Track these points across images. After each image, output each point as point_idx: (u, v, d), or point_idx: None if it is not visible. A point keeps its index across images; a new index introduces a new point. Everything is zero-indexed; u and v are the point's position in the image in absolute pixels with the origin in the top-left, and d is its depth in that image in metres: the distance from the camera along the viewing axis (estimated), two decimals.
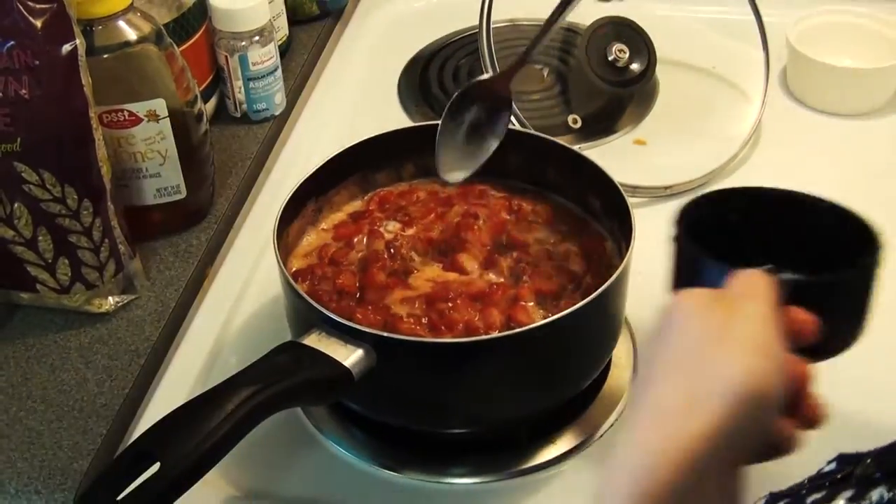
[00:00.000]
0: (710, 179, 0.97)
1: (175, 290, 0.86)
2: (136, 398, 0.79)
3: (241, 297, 0.88)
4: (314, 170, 0.81)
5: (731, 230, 0.68)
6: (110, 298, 0.83)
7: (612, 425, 0.76)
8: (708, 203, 0.67)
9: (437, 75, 1.13)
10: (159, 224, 0.89)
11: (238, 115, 1.03)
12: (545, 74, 1.08)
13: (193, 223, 0.91)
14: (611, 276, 0.75)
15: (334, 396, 0.68)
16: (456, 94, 0.84)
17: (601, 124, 1.02)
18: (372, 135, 0.84)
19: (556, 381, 0.74)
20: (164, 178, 0.86)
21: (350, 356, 0.67)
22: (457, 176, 0.84)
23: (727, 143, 1.00)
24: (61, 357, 0.80)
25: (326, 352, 0.67)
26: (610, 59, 1.00)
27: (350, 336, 0.68)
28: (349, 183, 0.85)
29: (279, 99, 1.03)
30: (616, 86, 1.01)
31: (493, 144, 0.84)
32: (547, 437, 0.76)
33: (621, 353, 0.81)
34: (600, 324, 0.74)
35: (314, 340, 0.68)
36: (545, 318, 0.73)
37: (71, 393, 0.77)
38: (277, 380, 0.63)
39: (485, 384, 0.71)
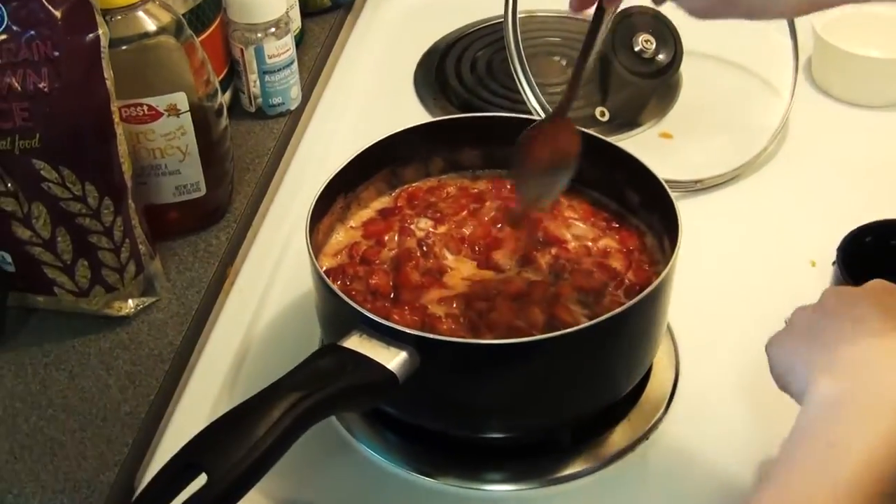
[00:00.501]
0: (741, 173, 0.95)
1: (196, 291, 0.82)
2: (161, 405, 0.75)
3: (265, 297, 0.85)
4: (343, 165, 0.78)
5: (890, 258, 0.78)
6: (130, 301, 0.79)
7: (651, 432, 0.74)
8: (864, 235, 0.78)
9: (454, 67, 1.11)
10: (177, 223, 0.86)
11: (253, 109, 0.99)
12: (564, 65, 1.06)
13: (212, 222, 0.88)
14: (654, 273, 0.74)
15: (379, 401, 0.65)
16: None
17: (627, 117, 1.00)
18: (400, 129, 0.81)
19: (597, 385, 0.71)
20: (183, 176, 0.83)
21: (394, 359, 0.64)
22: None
23: (754, 135, 0.98)
24: (81, 363, 0.77)
25: (370, 355, 0.64)
26: (636, 49, 0.98)
27: (392, 338, 0.65)
28: (377, 179, 0.82)
29: (295, 93, 1.00)
30: (643, 77, 0.98)
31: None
32: (587, 444, 0.73)
33: (662, 357, 0.78)
34: (646, 324, 0.71)
35: (355, 343, 0.65)
36: (588, 317, 0.71)
37: (93, 400, 0.74)
38: (322, 385, 0.60)
39: (526, 387, 0.68)
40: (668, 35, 0.98)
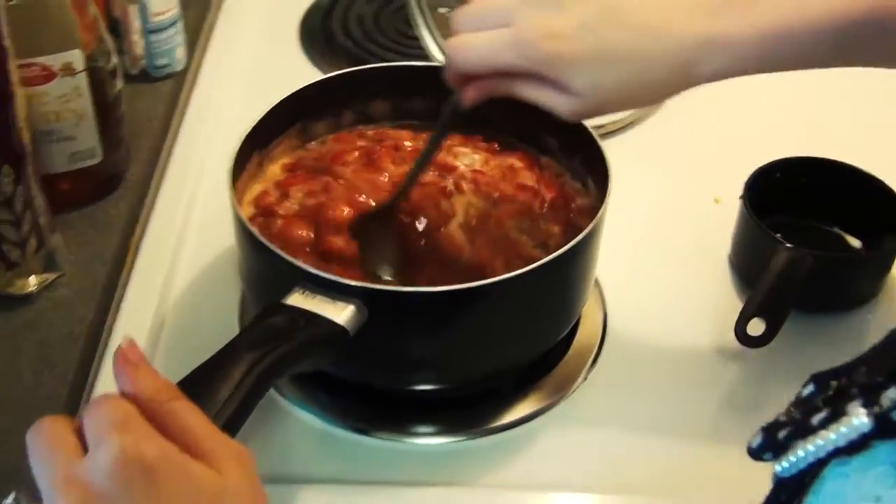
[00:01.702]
0: (640, 117, 0.96)
1: (101, 264, 0.77)
2: (80, 385, 0.70)
3: (174, 266, 0.81)
4: (257, 120, 0.74)
5: (795, 195, 0.81)
6: (32, 278, 0.74)
7: (580, 385, 0.74)
8: (775, 169, 0.81)
9: (341, 22, 1.08)
10: (72, 194, 0.80)
11: (135, 71, 0.94)
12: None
13: (108, 191, 0.83)
14: (564, 184, 0.75)
15: (332, 357, 0.63)
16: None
17: None
18: (309, 82, 0.78)
19: (531, 332, 0.71)
20: (78, 141, 0.78)
21: (342, 313, 0.62)
22: None
23: None
24: None
25: (318, 311, 0.61)
26: None
27: (338, 292, 0.62)
28: (289, 134, 0.79)
29: (181, 53, 0.95)
30: None
31: None
32: (516, 395, 0.73)
33: (591, 309, 0.79)
34: (590, 259, 0.71)
35: (300, 300, 0.62)
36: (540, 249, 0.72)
37: (7, 386, 0.68)
38: (278, 344, 0.57)
39: (479, 332, 0.67)
40: None
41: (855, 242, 0.82)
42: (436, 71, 0.78)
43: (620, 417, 0.72)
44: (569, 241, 0.66)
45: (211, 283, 0.79)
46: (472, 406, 0.73)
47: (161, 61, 0.93)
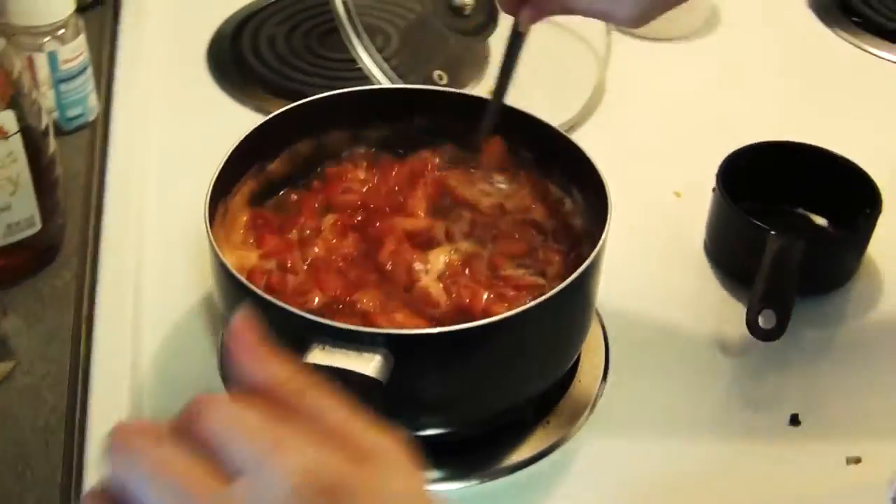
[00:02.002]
0: (576, 122, 0.95)
1: (60, 342, 0.70)
2: (68, 483, 0.63)
3: (137, 332, 0.73)
4: (216, 174, 0.68)
5: (764, 179, 0.81)
6: None
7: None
8: (742, 156, 0.81)
9: (252, 51, 1.02)
10: (10, 269, 0.72)
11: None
12: (391, 36, 1.00)
13: (48, 261, 0.75)
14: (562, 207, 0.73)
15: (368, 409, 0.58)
16: None
17: (453, 77, 0.96)
18: (262, 121, 0.72)
19: (551, 358, 0.67)
20: (14, 211, 0.70)
21: (370, 365, 0.57)
22: None
23: (582, 84, 0.98)
24: None
25: (348, 367, 0.57)
26: (455, 5, 0.94)
27: (362, 343, 0.58)
28: (248, 177, 0.73)
29: (93, 101, 0.87)
30: (464, 35, 0.95)
31: None
32: (516, 438, 0.69)
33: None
34: (593, 286, 0.67)
35: (324, 357, 0.57)
36: (535, 280, 0.68)
37: None
38: None
39: (493, 369, 0.63)
40: None
41: (821, 221, 0.83)
42: (393, 93, 0.76)
43: (638, 440, 0.69)
44: (568, 264, 0.65)
45: (182, 340, 0.73)
46: (480, 447, 0.68)
47: (74, 112, 0.86)
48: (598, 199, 0.68)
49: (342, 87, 0.94)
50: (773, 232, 0.73)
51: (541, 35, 0.90)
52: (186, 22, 1.08)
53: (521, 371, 0.65)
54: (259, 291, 0.60)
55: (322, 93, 0.94)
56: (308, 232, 0.71)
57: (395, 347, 0.58)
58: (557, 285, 0.62)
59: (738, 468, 0.67)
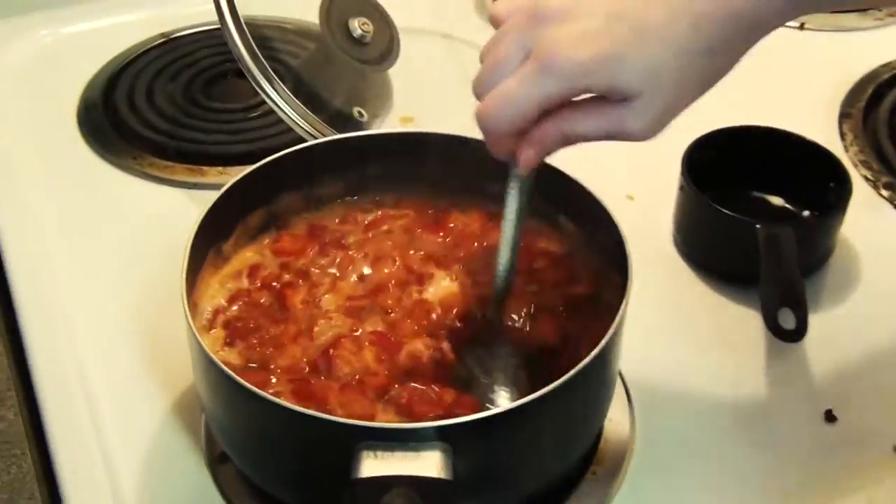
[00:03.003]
0: None
1: (26, 500, 0.59)
2: None
3: (111, 469, 0.63)
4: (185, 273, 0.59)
5: (730, 165, 0.79)
6: None
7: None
8: (707, 143, 0.79)
9: (130, 112, 0.92)
10: None
11: None
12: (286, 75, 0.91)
13: None
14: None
15: None
16: None
17: (368, 110, 0.89)
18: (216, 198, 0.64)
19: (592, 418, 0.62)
20: None
21: (433, 463, 0.51)
22: None
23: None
24: None
25: (410, 472, 0.50)
26: (355, 35, 0.87)
27: (416, 441, 0.52)
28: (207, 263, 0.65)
29: None
30: (367, 64, 0.89)
31: None
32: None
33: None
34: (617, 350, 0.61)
35: (379, 466, 0.51)
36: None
37: None
38: None
39: (549, 438, 0.58)
40: (377, 15, 0.89)
41: (777, 201, 0.82)
42: (340, 144, 0.69)
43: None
44: None
45: (164, 459, 0.64)
46: None
47: None
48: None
49: (247, 141, 0.89)
50: (758, 224, 0.72)
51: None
52: (43, 86, 0.97)
53: (575, 429, 0.60)
54: (301, 410, 0.53)
55: (225, 149, 0.88)
56: None
57: (451, 438, 0.52)
58: None
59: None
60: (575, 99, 0.54)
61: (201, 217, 0.62)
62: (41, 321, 0.73)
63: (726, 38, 0.52)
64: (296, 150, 0.68)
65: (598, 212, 0.64)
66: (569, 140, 0.55)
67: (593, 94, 0.53)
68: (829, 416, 0.67)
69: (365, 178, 0.71)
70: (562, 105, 0.53)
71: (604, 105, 0.53)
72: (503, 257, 0.61)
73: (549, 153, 0.56)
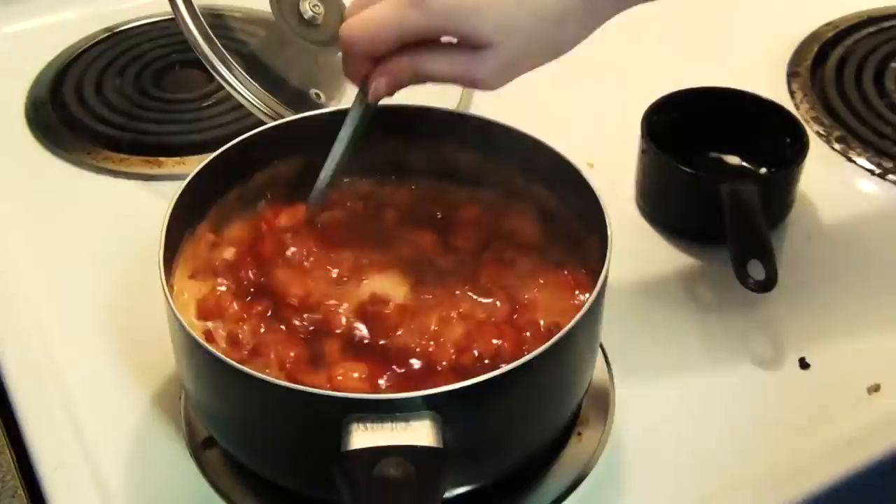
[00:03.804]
0: (466, 103, 0.90)
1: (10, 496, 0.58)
2: None
3: (95, 471, 0.62)
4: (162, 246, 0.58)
5: (686, 127, 0.80)
6: None
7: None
8: (664, 106, 0.80)
9: (75, 97, 0.91)
10: None
11: None
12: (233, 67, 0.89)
13: None
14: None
15: (447, 481, 0.52)
16: None
17: (326, 91, 0.89)
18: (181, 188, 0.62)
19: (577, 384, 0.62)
20: None
21: (423, 433, 0.51)
22: None
23: None
24: None
25: (404, 442, 0.50)
26: (307, 17, 0.86)
27: (405, 411, 0.51)
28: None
29: None
30: (321, 45, 0.88)
31: None
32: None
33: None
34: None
35: (370, 437, 0.50)
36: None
37: None
38: (413, 498, 0.47)
39: (534, 405, 0.57)
40: None
41: (734, 160, 0.83)
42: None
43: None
44: None
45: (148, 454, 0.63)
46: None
47: None
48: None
49: (203, 129, 0.87)
50: (721, 183, 0.73)
51: None
52: None
53: (563, 392, 0.60)
54: (275, 380, 0.52)
55: (182, 139, 0.87)
56: None
57: (440, 406, 0.52)
58: None
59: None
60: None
61: (176, 196, 0.61)
62: (8, 322, 0.71)
63: (584, 9, 0.59)
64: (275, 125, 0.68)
65: (574, 179, 0.64)
66: (418, 77, 0.60)
67: (449, 40, 0.59)
68: (803, 364, 0.68)
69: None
70: (418, 45, 0.59)
71: (456, 50, 0.59)
72: (324, 174, 0.64)
73: (398, 87, 0.61)
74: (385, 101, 0.63)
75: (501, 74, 0.60)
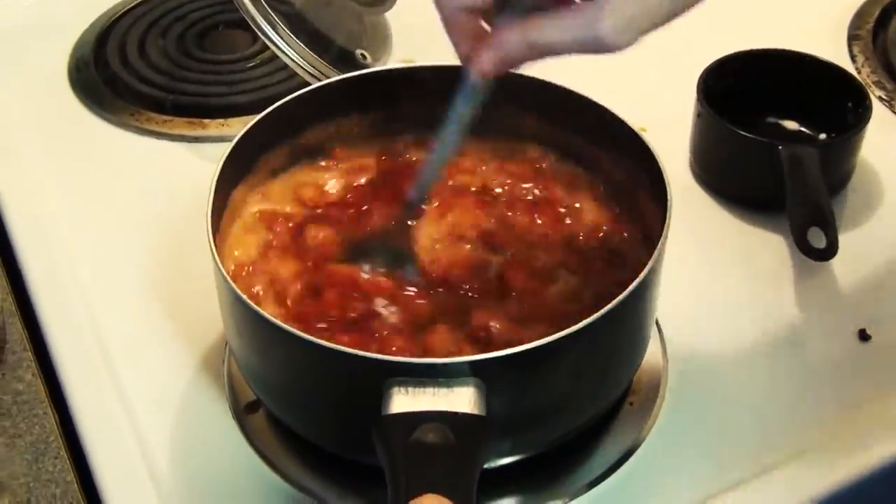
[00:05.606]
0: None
1: (51, 458, 0.58)
2: None
3: (136, 428, 0.62)
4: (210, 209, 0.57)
5: (743, 90, 0.77)
6: None
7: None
8: (720, 69, 0.78)
9: (118, 58, 0.91)
10: None
11: None
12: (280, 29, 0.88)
13: None
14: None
15: (488, 451, 0.50)
16: None
17: (373, 53, 0.87)
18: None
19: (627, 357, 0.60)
20: None
21: (465, 399, 0.49)
22: None
23: None
24: None
25: (450, 408, 0.49)
26: None
27: (448, 376, 0.50)
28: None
29: None
30: (371, 5, 0.87)
31: None
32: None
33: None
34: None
35: (410, 402, 0.49)
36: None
37: None
38: (455, 471, 0.46)
39: (579, 380, 0.56)
40: None
41: (792, 125, 0.80)
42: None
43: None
44: None
45: (193, 419, 0.63)
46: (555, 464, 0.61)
47: None
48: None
49: (247, 91, 0.86)
50: (780, 146, 0.70)
51: None
52: (39, 43, 0.95)
53: (619, 364, 0.59)
54: (317, 340, 0.51)
55: (225, 101, 0.86)
56: None
57: (484, 373, 0.50)
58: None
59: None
60: None
61: (225, 156, 0.60)
62: (52, 284, 0.71)
63: None
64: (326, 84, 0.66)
65: (633, 143, 0.61)
66: (534, 51, 0.51)
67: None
68: (863, 335, 0.65)
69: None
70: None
71: (567, 13, 0.50)
72: (433, 164, 0.59)
73: (509, 65, 0.53)
74: None
75: (629, 26, 0.50)
